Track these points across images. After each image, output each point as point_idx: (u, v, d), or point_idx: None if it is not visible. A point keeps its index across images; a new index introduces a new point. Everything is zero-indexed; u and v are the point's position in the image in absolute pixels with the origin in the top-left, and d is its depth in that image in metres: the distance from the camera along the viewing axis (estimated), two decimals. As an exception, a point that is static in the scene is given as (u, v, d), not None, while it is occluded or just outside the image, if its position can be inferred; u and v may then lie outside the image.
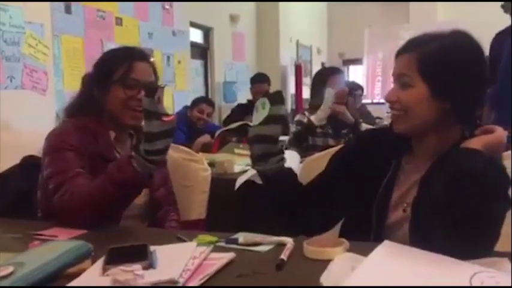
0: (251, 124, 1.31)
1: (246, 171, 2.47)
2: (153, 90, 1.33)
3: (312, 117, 2.93)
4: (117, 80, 1.53)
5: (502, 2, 3.06)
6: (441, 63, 1.14)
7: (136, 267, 0.91)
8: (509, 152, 1.42)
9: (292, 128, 3.09)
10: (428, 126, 1.19)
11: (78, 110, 1.59)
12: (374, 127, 3.23)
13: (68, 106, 1.63)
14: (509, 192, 1.09)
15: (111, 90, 1.54)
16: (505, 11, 3.07)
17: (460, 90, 1.14)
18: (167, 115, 1.34)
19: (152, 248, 1.04)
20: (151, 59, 1.68)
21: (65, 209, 1.37)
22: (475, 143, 1.08)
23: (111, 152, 1.55)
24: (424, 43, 1.18)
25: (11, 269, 0.90)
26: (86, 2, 4.48)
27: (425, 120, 1.17)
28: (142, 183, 1.40)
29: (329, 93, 2.88)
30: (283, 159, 1.30)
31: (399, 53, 1.20)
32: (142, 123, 1.39)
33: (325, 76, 3.08)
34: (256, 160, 1.29)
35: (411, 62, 1.17)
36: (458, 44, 1.17)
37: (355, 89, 4.85)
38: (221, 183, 2.20)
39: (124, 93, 1.52)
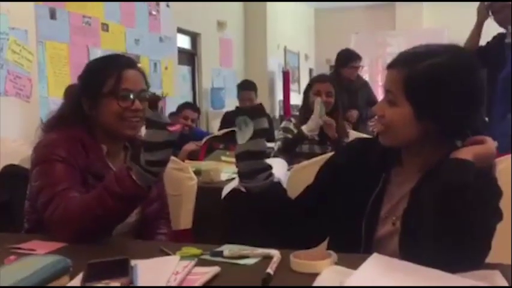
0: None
1: (232, 179, 2.44)
2: (156, 100, 1.29)
3: (303, 127, 2.90)
4: (108, 92, 1.47)
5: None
6: (427, 86, 1.11)
7: (116, 285, 0.87)
8: (503, 158, 1.41)
9: (280, 135, 3.05)
10: (413, 143, 1.17)
11: (63, 123, 1.51)
12: (363, 137, 3.20)
13: (50, 119, 1.55)
14: (500, 204, 1.07)
15: (103, 103, 1.48)
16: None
17: (446, 113, 1.11)
18: (172, 124, 1.30)
19: (133, 262, 1.00)
20: (139, 65, 1.63)
21: (58, 224, 1.30)
22: (465, 153, 1.05)
23: (103, 168, 1.48)
24: (413, 61, 1.14)
25: (-16, 286, 0.86)
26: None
27: (409, 138, 1.15)
28: (143, 195, 1.34)
29: (318, 104, 2.85)
30: (271, 175, 1.27)
31: (389, 66, 1.17)
32: (141, 133, 1.34)
33: (311, 83, 3.09)
34: (243, 177, 1.26)
35: (398, 80, 1.14)
36: (448, 64, 1.12)
37: None
38: (207, 192, 2.18)
39: (118, 105, 1.46)
